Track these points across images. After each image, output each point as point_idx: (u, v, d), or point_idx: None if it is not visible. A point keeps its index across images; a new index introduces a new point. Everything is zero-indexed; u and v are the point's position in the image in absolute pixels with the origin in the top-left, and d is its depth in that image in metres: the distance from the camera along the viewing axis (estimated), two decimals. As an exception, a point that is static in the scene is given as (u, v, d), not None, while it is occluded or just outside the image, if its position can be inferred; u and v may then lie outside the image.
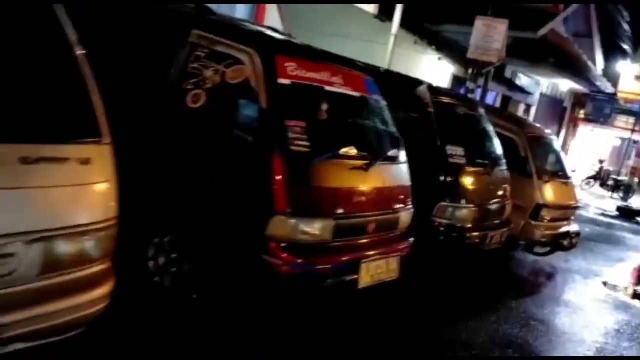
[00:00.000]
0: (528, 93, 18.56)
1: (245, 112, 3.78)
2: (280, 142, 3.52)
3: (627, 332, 5.65)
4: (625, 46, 21.98)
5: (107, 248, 2.54)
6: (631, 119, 22.18)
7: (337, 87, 4.10)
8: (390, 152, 4.36)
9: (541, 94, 20.40)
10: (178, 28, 4.13)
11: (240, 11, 11.20)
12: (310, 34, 9.62)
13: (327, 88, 4.01)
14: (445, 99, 6.03)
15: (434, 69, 14.54)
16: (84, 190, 2.44)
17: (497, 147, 6.46)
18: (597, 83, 20.57)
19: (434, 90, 5.91)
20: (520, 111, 18.86)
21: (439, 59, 14.61)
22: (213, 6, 4.79)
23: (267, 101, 3.59)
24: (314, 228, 3.59)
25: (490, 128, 6.56)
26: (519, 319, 5.23)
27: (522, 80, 18.63)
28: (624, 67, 22.19)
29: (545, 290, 6.60)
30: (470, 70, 11.72)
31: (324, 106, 3.93)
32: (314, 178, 3.63)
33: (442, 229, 5.43)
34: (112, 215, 2.54)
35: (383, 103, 4.57)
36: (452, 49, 15.36)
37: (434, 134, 5.49)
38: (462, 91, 12.64)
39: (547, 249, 7.64)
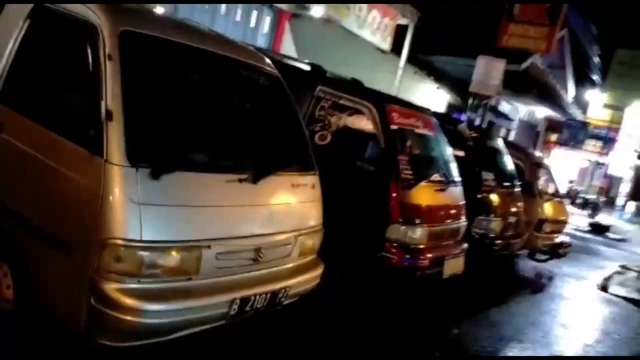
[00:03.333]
0: (510, 119, 20.45)
1: (365, 149, 5.21)
2: (395, 171, 4.96)
3: (616, 319, 7.26)
4: (595, 76, 24.21)
5: (320, 242, 3.91)
6: (599, 143, 24.40)
7: (421, 129, 5.59)
8: (455, 177, 5.84)
9: (520, 120, 22.36)
10: (305, 82, 5.52)
11: (260, 41, 12.39)
12: (321, 62, 11.07)
13: (416, 130, 5.49)
14: (476, 134, 7.58)
15: (432, 97, 16.21)
16: (313, 204, 3.80)
17: (514, 172, 8.04)
18: (570, 111, 22.67)
19: (473, 128, 7.44)
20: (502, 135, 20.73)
21: (437, 88, 16.28)
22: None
23: (385, 141, 5.03)
24: (416, 233, 5.02)
25: (509, 157, 8.13)
26: (542, 307, 6.78)
27: (505, 107, 20.51)
28: (593, 96, 24.42)
29: (551, 288, 8.19)
30: (470, 102, 13.34)
31: (416, 143, 5.41)
32: (416, 197, 5.07)
33: (477, 237, 6.93)
34: (322, 222, 3.92)
35: (445, 139, 6.06)
36: (447, 80, 17.09)
37: (473, 162, 6.99)
38: (461, 118, 14.30)
39: (546, 256, 9.24)
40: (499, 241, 7.16)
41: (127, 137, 2.67)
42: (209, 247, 2.92)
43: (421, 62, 17.17)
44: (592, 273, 10.03)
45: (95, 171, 2.64)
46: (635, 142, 26.33)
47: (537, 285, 8.30)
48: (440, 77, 16.72)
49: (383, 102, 5.29)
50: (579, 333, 6.31)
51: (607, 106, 24.80)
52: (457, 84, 17.62)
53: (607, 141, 24.67)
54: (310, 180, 3.79)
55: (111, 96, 2.70)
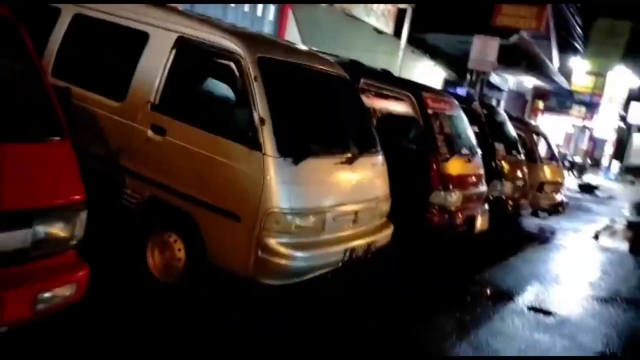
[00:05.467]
0: (500, 90, 21.62)
1: (405, 131, 6.29)
2: (434, 148, 6.08)
3: (612, 262, 8.54)
4: (578, 45, 25.39)
5: (387, 208, 5.01)
6: (583, 108, 25.73)
7: (449, 111, 6.70)
8: (476, 150, 6.97)
9: (509, 90, 23.54)
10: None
11: (266, 28, 13.30)
12: (322, 46, 12.00)
13: (446, 112, 6.60)
14: (486, 111, 8.70)
15: (429, 73, 17.27)
16: (384, 178, 4.88)
17: (518, 142, 9.20)
18: (555, 79, 23.87)
19: (484, 105, 8.56)
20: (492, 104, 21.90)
21: (434, 65, 17.35)
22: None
23: (424, 123, 6.13)
24: (452, 197, 6.15)
25: (512, 129, 9.29)
26: (550, 254, 8.01)
27: (495, 79, 21.60)
28: (577, 64, 25.65)
29: (555, 240, 9.46)
30: (469, 77, 14.45)
31: (446, 123, 6.52)
32: (450, 168, 6.19)
33: (492, 199, 8.09)
34: (389, 191, 5.01)
35: (465, 118, 7.17)
36: (442, 56, 18.14)
37: (487, 136, 8.12)
38: (459, 91, 15.40)
39: (547, 214, 10.48)
40: (510, 202, 8.36)
41: (276, 136, 3.74)
42: (329, 211, 4.03)
43: (417, 40, 18.19)
44: (587, 226, 11.33)
45: (256, 162, 3.72)
46: (616, 105, 27.75)
47: (543, 238, 9.55)
48: (435, 54, 17.75)
49: (420, 91, 6.38)
50: (585, 273, 7.56)
51: (589, 73, 26.07)
52: (451, 60, 18.70)
53: (591, 106, 26.02)
54: (380, 159, 4.89)
55: (261, 107, 3.77)
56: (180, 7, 7.01)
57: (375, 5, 13.42)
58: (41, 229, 2.58)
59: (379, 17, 13.83)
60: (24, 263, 2.54)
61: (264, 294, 4.21)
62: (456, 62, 18.34)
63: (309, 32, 14.63)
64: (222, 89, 4.07)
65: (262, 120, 3.74)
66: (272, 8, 13.52)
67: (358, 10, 12.86)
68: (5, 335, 2.57)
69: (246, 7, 12.73)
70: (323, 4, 12.80)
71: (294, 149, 3.83)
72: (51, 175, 2.69)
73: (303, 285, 4.07)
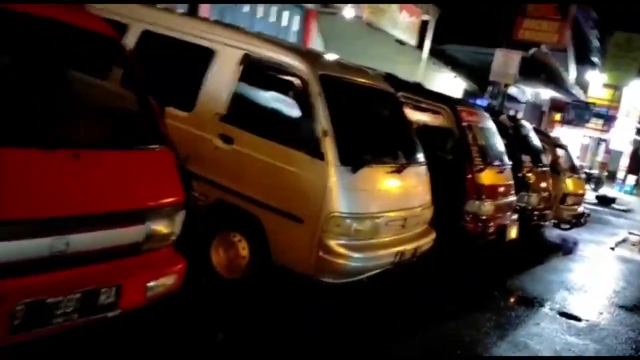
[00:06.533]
0: (518, 102, 21.89)
1: (440, 142, 6.62)
2: (469, 159, 6.40)
3: (633, 272, 8.80)
4: (594, 58, 25.62)
5: (430, 216, 5.33)
6: (600, 121, 25.92)
7: (481, 123, 7.02)
8: (507, 161, 7.29)
9: (526, 101, 23.80)
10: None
11: (292, 38, 13.70)
12: (344, 55, 12.36)
13: (479, 125, 6.92)
14: (513, 124, 9.01)
15: (449, 85, 17.58)
16: (427, 187, 5.21)
17: (542, 153, 9.50)
18: (572, 91, 24.11)
19: (510, 118, 8.88)
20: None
21: (455, 77, 17.67)
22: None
23: (460, 135, 6.45)
24: (486, 206, 6.46)
25: (538, 141, 9.59)
26: (575, 265, 8.28)
27: (513, 90, 21.89)
28: (593, 77, 25.88)
29: (578, 251, 9.74)
30: (490, 89, 14.76)
31: (480, 135, 6.85)
32: (484, 179, 6.50)
33: (519, 209, 8.39)
34: (430, 200, 5.34)
35: (496, 130, 7.49)
36: (461, 67, 18.47)
37: (514, 148, 8.42)
38: (479, 103, 15.71)
39: (569, 226, 10.74)
40: (536, 212, 8.65)
41: (337, 146, 4.10)
42: (382, 216, 4.37)
43: (437, 52, 18.53)
44: (607, 238, 11.57)
45: (319, 170, 4.07)
46: (633, 119, 27.88)
47: (566, 248, 9.83)
48: (455, 65, 18.08)
49: (455, 104, 6.71)
50: (608, 282, 7.84)
51: (606, 86, 26.29)
52: (471, 71, 19.01)
53: (608, 119, 26.18)
54: (424, 169, 5.23)
55: (324, 120, 4.12)
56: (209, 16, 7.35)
57: (400, 18, 13.77)
58: (150, 226, 2.94)
59: (404, 30, 14.19)
60: (137, 255, 2.90)
61: (313, 289, 4.55)
62: (476, 74, 18.65)
63: (332, 42, 15.03)
64: (286, 102, 4.43)
65: (325, 132, 4.09)
66: (296, 19, 13.95)
67: (384, 23, 13.22)
68: (118, 318, 2.91)
69: (272, 17, 13.19)
70: (348, 16, 13.16)
71: (352, 159, 4.17)
72: (158, 178, 3.05)
73: (347, 285, 4.41)
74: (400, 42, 17.24)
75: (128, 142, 2.97)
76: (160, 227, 3.01)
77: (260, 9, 12.72)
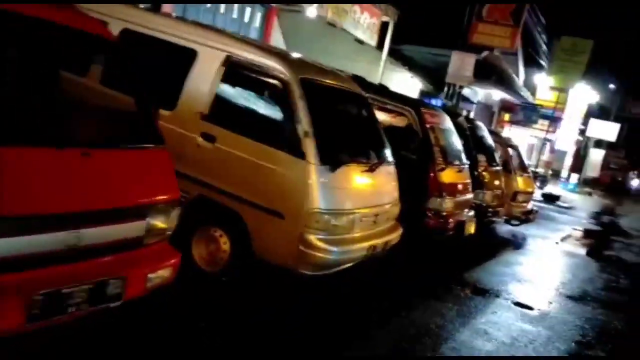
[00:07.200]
0: (471, 102, 22.68)
1: (406, 142, 6.97)
2: (431, 158, 6.77)
3: (578, 266, 9.44)
4: (542, 62, 26.76)
5: (398, 212, 5.66)
6: (546, 122, 27.13)
7: (442, 125, 7.42)
8: (465, 161, 7.72)
9: (478, 102, 24.66)
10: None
11: (252, 34, 13.88)
12: (304, 52, 12.64)
13: (440, 126, 7.32)
14: (470, 125, 9.48)
15: (406, 84, 18.07)
16: (395, 185, 5.54)
17: (496, 153, 10.03)
18: (521, 93, 25.14)
19: (467, 120, 9.34)
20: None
21: (412, 77, 18.19)
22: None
23: (423, 135, 6.82)
24: (446, 203, 6.86)
25: (491, 141, 10.11)
26: (525, 258, 8.84)
27: (466, 91, 22.67)
28: (541, 79, 27.05)
29: (527, 245, 10.33)
30: (446, 90, 15.33)
31: (441, 136, 7.24)
32: (445, 177, 6.90)
33: (474, 206, 8.86)
34: (397, 198, 5.67)
35: (455, 131, 7.91)
36: (418, 67, 19.02)
37: (470, 148, 8.89)
38: (434, 103, 16.27)
39: (518, 222, 11.35)
40: (490, 209, 9.16)
41: (317, 146, 4.35)
42: (357, 212, 4.66)
43: (394, 52, 19.01)
44: (553, 234, 12.29)
45: (300, 168, 4.32)
46: (576, 120, 29.32)
47: (516, 243, 10.41)
48: (411, 65, 18.60)
49: (419, 107, 7.07)
50: (555, 276, 8.40)
51: (552, 88, 27.53)
52: (427, 72, 19.59)
53: (553, 120, 27.44)
54: (392, 168, 5.56)
55: (305, 121, 4.37)
56: (172, 12, 7.43)
57: (362, 19, 14.13)
58: (151, 221, 3.12)
59: (365, 31, 14.56)
60: (139, 248, 3.08)
61: (291, 284, 4.81)
62: (431, 74, 19.24)
63: (292, 39, 15.19)
64: (267, 103, 4.65)
65: (305, 133, 4.34)
66: (258, 15, 14.10)
67: (346, 23, 13.54)
68: (116, 309, 3.08)
69: (234, 13, 13.30)
70: (311, 16, 13.40)
71: (331, 158, 4.45)
72: (157, 176, 3.23)
73: (321, 279, 4.70)
74: (360, 42, 17.58)
75: (131, 142, 3.13)
76: (159, 222, 3.19)
77: (223, 5, 12.83)
